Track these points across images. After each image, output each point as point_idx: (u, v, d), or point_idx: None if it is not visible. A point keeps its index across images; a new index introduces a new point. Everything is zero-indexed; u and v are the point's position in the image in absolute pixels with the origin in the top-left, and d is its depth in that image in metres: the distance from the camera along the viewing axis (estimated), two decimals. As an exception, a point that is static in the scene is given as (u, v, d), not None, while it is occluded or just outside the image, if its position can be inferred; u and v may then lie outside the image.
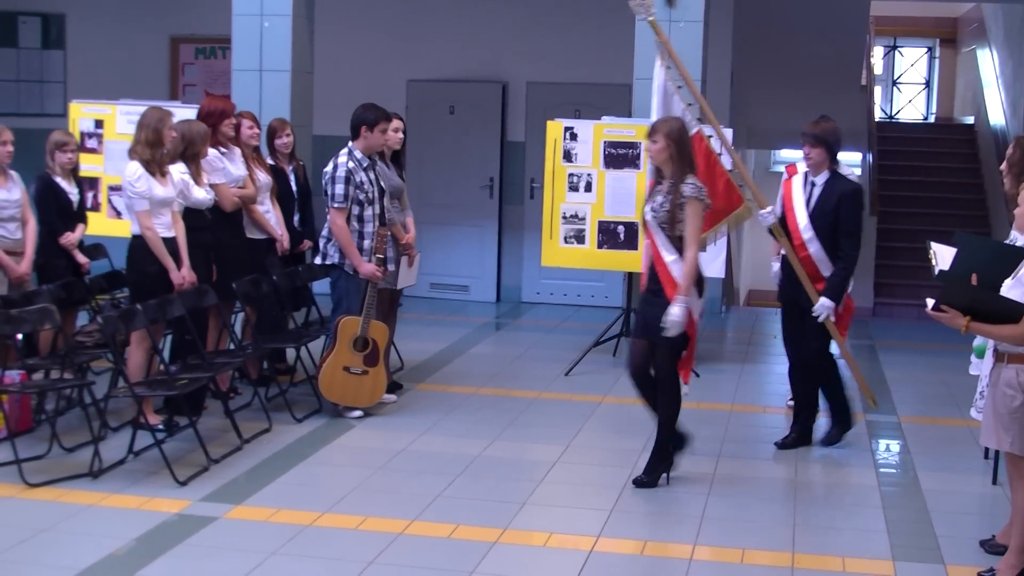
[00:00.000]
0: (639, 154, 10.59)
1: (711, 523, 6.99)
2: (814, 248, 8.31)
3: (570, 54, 14.02)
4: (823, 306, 8.26)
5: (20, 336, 8.46)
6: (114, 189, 10.61)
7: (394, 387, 9.50)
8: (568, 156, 10.79)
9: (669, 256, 7.36)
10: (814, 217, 8.31)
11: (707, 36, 10.87)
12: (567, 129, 10.83)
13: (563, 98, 13.69)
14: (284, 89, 11.09)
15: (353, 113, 9.05)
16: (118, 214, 10.53)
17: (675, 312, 7.25)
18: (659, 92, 9.33)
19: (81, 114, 10.87)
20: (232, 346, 9.27)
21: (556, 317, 13.59)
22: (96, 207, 10.63)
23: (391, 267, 9.10)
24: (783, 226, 8.48)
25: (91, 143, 10.76)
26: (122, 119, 10.70)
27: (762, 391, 10.61)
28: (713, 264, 10.51)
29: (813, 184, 8.36)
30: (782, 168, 21.91)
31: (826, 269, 8.31)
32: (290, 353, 10.10)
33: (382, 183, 9.06)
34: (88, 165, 10.36)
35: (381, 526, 6.76)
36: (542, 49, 14.16)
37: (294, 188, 10.18)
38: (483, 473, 7.79)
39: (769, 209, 8.52)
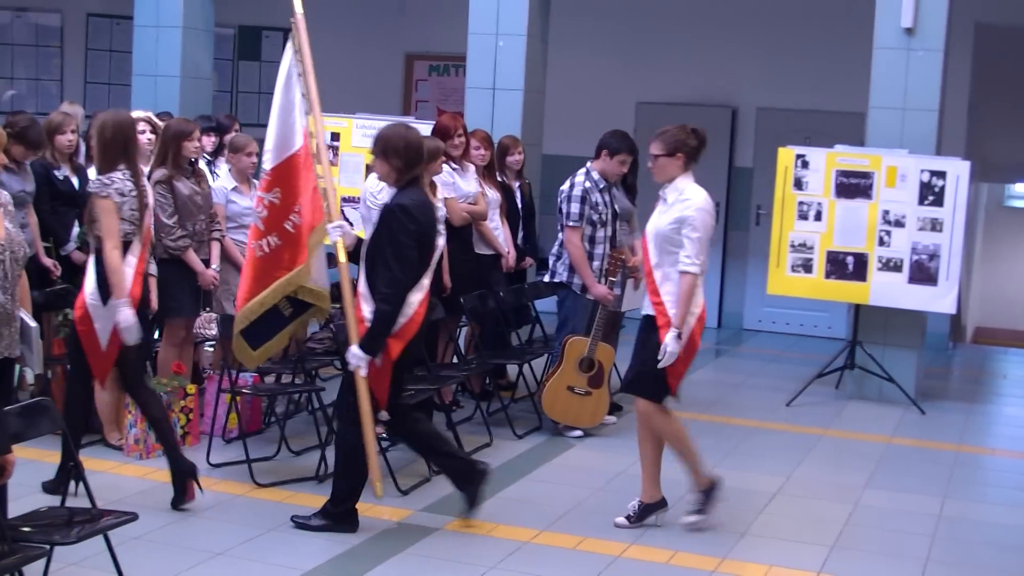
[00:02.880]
0: (871, 184, 10.39)
1: (936, 567, 6.79)
2: (360, 280, 6.84)
3: (802, 81, 13.84)
4: (351, 355, 6.72)
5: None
6: (347, 200, 10.83)
7: (614, 409, 9.48)
8: (799, 184, 10.64)
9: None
10: (368, 243, 6.87)
11: (947, 66, 10.61)
12: (798, 157, 10.68)
13: (793, 125, 13.51)
14: (516, 108, 11.21)
15: (604, 134, 9.11)
16: (350, 224, 10.72)
17: (122, 317, 6.83)
18: (284, 76, 7.71)
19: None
20: (456, 360, 9.38)
21: (778, 346, 13.41)
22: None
23: (618, 290, 9.11)
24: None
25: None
26: (357, 133, 10.93)
27: (991, 432, 10.30)
28: (945, 299, 10.25)
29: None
30: (1018, 203, 21.25)
31: (368, 308, 6.74)
32: (511, 369, 10.18)
33: (616, 206, 9.07)
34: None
35: (599, 547, 6.76)
36: (773, 75, 14.02)
37: (519, 206, 10.26)
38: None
39: (337, 223, 7.09)
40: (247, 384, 8.29)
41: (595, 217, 8.87)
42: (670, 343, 6.81)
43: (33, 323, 6.08)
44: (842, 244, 10.52)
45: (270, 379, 8.85)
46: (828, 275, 10.58)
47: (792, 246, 10.63)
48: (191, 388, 8.27)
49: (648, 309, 7.06)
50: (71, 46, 16.29)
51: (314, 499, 7.28)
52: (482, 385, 9.68)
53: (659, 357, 6.83)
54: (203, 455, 7.94)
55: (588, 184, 8.91)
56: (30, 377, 8.36)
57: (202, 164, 9.28)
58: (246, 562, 6.32)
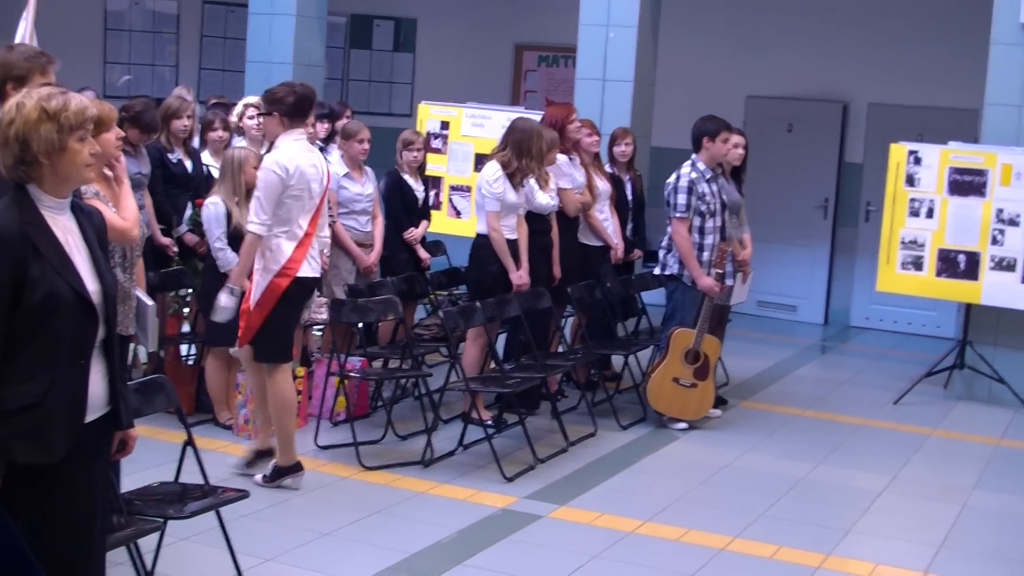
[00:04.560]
0: (985, 182, 10.23)
1: (1049, 569, 6.69)
2: None
3: (915, 76, 13.64)
4: None
5: (360, 324, 8.81)
6: (455, 189, 10.90)
7: (719, 402, 9.44)
8: (911, 180, 10.51)
9: None
10: None
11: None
12: (911, 153, 10.54)
13: (905, 121, 13.32)
14: (626, 99, 11.17)
15: (694, 125, 9.08)
16: (458, 213, 10.81)
17: None
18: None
19: (429, 115, 11.19)
20: (562, 349, 9.40)
21: (885, 344, 13.25)
22: (437, 205, 10.92)
23: (728, 282, 9.07)
24: None
25: (436, 143, 11.05)
26: (467, 122, 10.96)
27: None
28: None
29: None
30: None
31: None
32: (617, 360, 10.18)
33: (724, 196, 9.03)
34: (432, 165, 10.67)
35: (703, 540, 6.74)
36: (886, 70, 13.84)
37: (629, 197, 10.24)
38: (807, 496, 7.68)
39: None
40: (355, 368, 8.37)
41: (703, 208, 8.83)
42: (221, 298, 7.02)
43: (150, 302, 6.19)
44: (954, 242, 10.37)
45: (378, 364, 8.93)
46: (939, 273, 10.44)
47: (903, 243, 10.51)
48: (300, 371, 8.37)
49: None
50: (186, 33, 16.53)
51: (420, 483, 7.38)
52: (587, 375, 9.68)
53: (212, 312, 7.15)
54: (311, 437, 8.05)
55: (694, 175, 8.86)
56: (143, 356, 8.55)
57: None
58: (352, 543, 6.40)
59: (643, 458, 8.31)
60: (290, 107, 6.99)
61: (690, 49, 14.29)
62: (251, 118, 9.09)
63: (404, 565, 6.14)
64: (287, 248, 6.95)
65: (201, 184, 9.07)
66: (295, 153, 6.98)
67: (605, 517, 7.02)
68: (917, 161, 10.49)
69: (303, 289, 7.11)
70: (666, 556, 6.50)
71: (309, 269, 7.08)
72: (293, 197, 6.92)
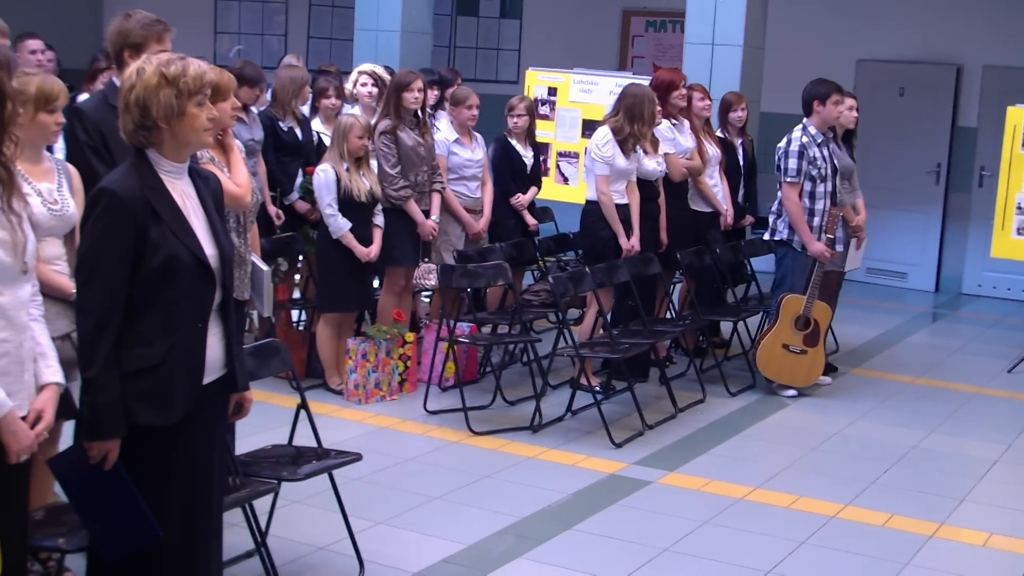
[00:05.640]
0: (1105, 145, 9.99)
1: None
2: None
3: (1033, 38, 13.35)
4: None
5: (469, 290, 8.84)
6: (563, 155, 10.87)
7: (829, 369, 9.35)
8: (1028, 144, 10.29)
9: None
10: None
11: None
12: (1028, 115, 10.33)
13: (1022, 83, 13.06)
14: (735, 64, 11.03)
15: (804, 89, 8.98)
16: (565, 180, 10.78)
17: None
18: None
19: (536, 81, 11.15)
20: (670, 315, 9.37)
21: (998, 311, 13.02)
22: (545, 172, 10.89)
23: (840, 248, 8.96)
24: None
25: (543, 110, 11.02)
26: (575, 88, 10.91)
27: None
28: None
29: None
30: None
31: None
32: (725, 326, 10.12)
33: (836, 161, 8.92)
34: (540, 131, 10.62)
35: (814, 507, 6.70)
36: (1002, 31, 13.54)
37: (741, 163, 10.16)
38: (920, 464, 7.59)
39: None
40: (464, 334, 8.41)
41: (814, 172, 8.73)
42: None
43: (265, 267, 6.26)
44: (1072, 208, 10.16)
45: (486, 329, 8.96)
46: (1056, 240, 10.23)
47: (1019, 208, 10.29)
48: (409, 336, 8.43)
49: None
50: (295, 1, 16.65)
51: (528, 448, 7.42)
52: (696, 341, 9.63)
53: None
54: (420, 402, 8.12)
55: (805, 139, 8.77)
56: (255, 320, 8.66)
57: (423, 117, 9.42)
58: (462, 507, 6.45)
59: (752, 425, 8.27)
60: None
61: (800, 12, 14.10)
62: (363, 85, 9.16)
63: (513, 529, 6.17)
64: None
65: (311, 151, 9.13)
66: None
67: (714, 483, 7.00)
68: (1035, 124, 10.27)
69: None
70: (776, 523, 6.47)
71: None
72: None
